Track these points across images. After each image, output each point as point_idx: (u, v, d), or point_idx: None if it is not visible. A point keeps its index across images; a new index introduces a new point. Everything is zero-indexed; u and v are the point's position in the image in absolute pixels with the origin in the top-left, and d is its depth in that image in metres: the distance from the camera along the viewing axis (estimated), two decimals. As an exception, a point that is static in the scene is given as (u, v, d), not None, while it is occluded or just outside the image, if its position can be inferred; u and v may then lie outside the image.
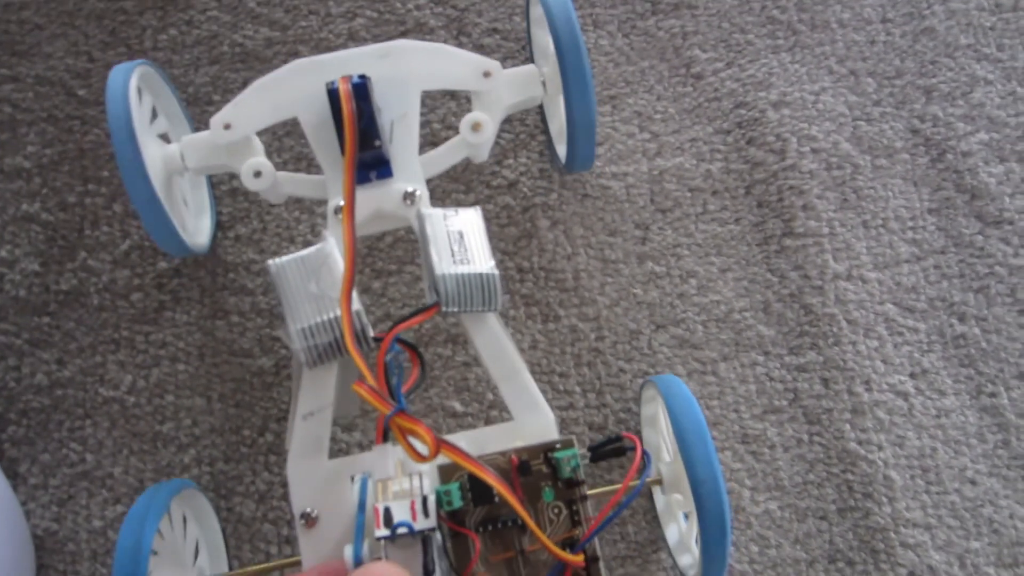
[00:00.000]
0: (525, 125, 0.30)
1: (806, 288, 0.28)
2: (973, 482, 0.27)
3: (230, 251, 0.29)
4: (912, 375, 0.28)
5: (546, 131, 0.29)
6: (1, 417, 0.27)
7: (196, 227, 0.28)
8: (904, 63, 0.31)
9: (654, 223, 0.29)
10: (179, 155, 0.25)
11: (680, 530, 0.25)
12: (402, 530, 0.18)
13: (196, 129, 0.28)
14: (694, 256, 0.29)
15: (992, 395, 0.28)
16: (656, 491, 0.26)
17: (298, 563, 0.20)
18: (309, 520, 0.20)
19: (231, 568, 0.25)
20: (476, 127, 0.24)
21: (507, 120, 0.29)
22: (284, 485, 0.27)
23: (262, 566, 0.23)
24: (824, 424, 0.27)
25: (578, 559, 0.19)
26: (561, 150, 0.27)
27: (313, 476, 0.21)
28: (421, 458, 0.18)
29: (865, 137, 0.30)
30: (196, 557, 0.24)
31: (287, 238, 0.28)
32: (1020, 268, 0.29)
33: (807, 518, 0.26)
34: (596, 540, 0.19)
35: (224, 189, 0.29)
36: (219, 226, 0.29)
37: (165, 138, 0.27)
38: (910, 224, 0.29)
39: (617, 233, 0.29)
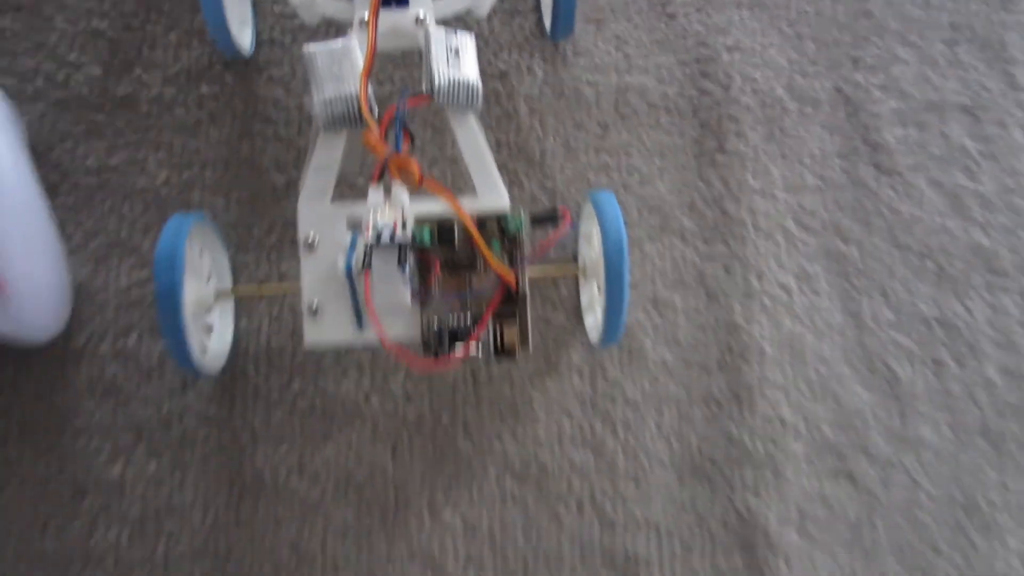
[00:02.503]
0: (522, 29, 0.39)
1: (726, 196, 0.37)
2: (828, 363, 0.36)
3: (262, 87, 0.37)
4: (797, 276, 0.37)
5: (537, 6, 0.37)
6: (56, 187, 0.36)
7: (240, 36, 0.35)
8: (841, 35, 0.40)
9: (613, 125, 0.38)
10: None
11: (595, 315, 0.33)
12: (385, 238, 0.25)
13: None
14: (641, 156, 0.38)
15: (857, 302, 0.37)
16: (581, 284, 0.33)
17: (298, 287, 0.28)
18: (310, 246, 0.28)
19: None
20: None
21: (509, 21, 0.37)
22: (282, 276, 0.35)
23: (266, 285, 0.31)
24: (720, 301, 0.36)
25: (510, 275, 0.26)
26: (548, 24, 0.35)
27: (317, 213, 0.28)
28: (413, 185, 0.26)
29: (797, 87, 0.39)
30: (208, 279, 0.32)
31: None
32: (899, 211, 0.38)
33: (692, 367, 0.35)
34: (527, 284, 0.27)
35: (263, 38, 0.37)
36: (256, 65, 0.37)
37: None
38: (820, 162, 0.38)
39: (582, 128, 0.38)
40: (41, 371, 0.33)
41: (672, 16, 0.39)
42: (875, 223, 0.37)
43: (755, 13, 0.39)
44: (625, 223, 0.35)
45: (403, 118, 0.27)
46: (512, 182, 0.36)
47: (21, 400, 0.33)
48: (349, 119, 0.28)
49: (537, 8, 0.37)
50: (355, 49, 0.28)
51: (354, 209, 0.27)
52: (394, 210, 0.26)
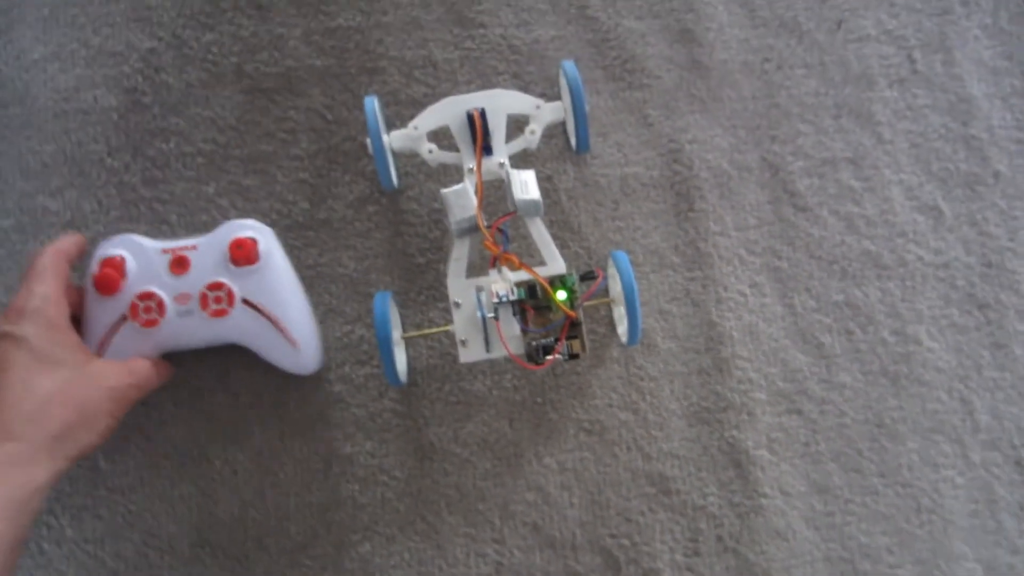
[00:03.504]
0: (557, 146, 0.36)
1: (697, 238, 0.35)
2: (775, 340, 0.34)
3: (405, 204, 0.35)
4: (749, 286, 0.35)
5: (565, 132, 0.34)
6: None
7: (393, 178, 0.34)
8: (761, 122, 0.36)
9: (621, 201, 0.35)
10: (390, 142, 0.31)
11: (623, 326, 0.33)
12: (504, 298, 0.27)
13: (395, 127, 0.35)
14: (641, 219, 0.35)
15: (791, 298, 0.34)
16: (613, 309, 0.32)
17: (450, 331, 0.28)
18: (457, 304, 0.28)
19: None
20: (532, 132, 0.31)
21: (548, 143, 0.36)
22: (430, 322, 0.34)
23: (427, 331, 0.31)
24: (701, 308, 0.34)
25: (572, 312, 0.27)
26: (572, 142, 0.33)
27: (458, 286, 0.28)
28: (514, 268, 0.27)
29: (736, 161, 0.36)
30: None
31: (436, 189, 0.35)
32: (812, 234, 0.35)
33: (688, 352, 0.33)
34: (582, 314, 0.27)
35: (403, 174, 0.36)
36: (401, 191, 0.35)
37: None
38: (756, 208, 0.36)
39: (602, 205, 0.35)
40: (307, 390, 0.33)
41: (650, 124, 0.36)
42: (797, 244, 0.35)
43: (704, 115, 0.36)
44: (634, 263, 0.34)
45: (504, 229, 0.29)
46: (562, 246, 0.34)
47: (293, 408, 0.33)
48: (472, 231, 0.28)
49: (564, 132, 0.35)
50: (469, 188, 0.29)
51: (480, 281, 0.28)
52: (506, 282, 0.28)
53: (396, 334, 0.31)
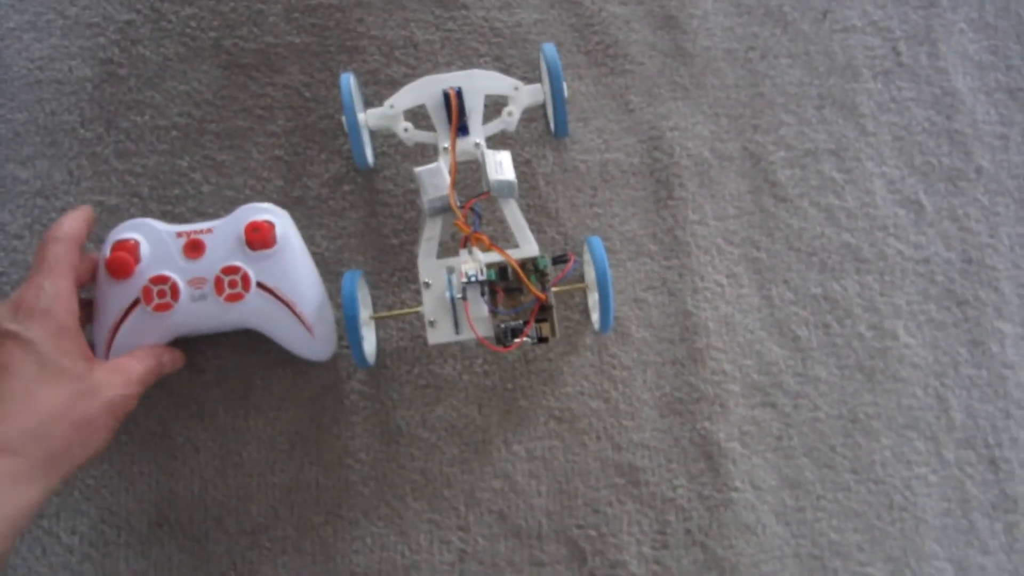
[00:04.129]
0: (536, 130, 0.36)
1: (676, 227, 0.34)
2: (751, 331, 0.33)
3: (381, 184, 0.34)
4: (727, 276, 0.34)
5: (545, 116, 0.34)
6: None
7: (369, 157, 0.34)
8: (744, 110, 0.36)
9: (600, 187, 0.35)
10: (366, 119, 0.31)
11: (595, 308, 0.32)
12: (473, 278, 0.27)
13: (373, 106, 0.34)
14: (619, 206, 0.34)
15: (768, 289, 0.34)
16: (588, 295, 0.32)
17: (421, 312, 0.28)
18: (427, 285, 0.28)
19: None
20: (510, 113, 0.31)
21: (528, 126, 0.35)
22: (402, 303, 0.34)
23: (395, 311, 0.30)
24: (677, 296, 0.34)
25: (542, 295, 0.27)
26: (551, 127, 0.33)
27: (429, 266, 0.28)
28: (484, 249, 0.27)
29: (717, 149, 0.35)
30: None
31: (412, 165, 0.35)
32: (792, 225, 0.35)
33: (663, 342, 0.33)
34: (552, 297, 0.27)
35: (379, 154, 0.36)
36: (377, 170, 0.35)
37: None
38: (736, 198, 0.35)
39: (580, 191, 0.34)
40: (273, 369, 0.32)
41: (632, 110, 0.36)
42: (776, 235, 0.34)
43: (686, 103, 0.36)
44: (611, 250, 0.33)
45: (477, 209, 0.28)
46: (538, 231, 0.34)
47: (259, 387, 0.32)
48: (444, 210, 0.28)
49: (544, 116, 0.35)
50: (443, 167, 0.28)
51: (451, 262, 0.28)
52: (476, 262, 0.27)
53: (365, 314, 0.31)
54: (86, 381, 0.23)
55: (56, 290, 0.23)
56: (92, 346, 0.26)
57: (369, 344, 0.31)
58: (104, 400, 0.23)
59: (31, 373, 0.21)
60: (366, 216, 0.34)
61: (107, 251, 0.28)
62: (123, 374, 0.24)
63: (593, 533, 0.31)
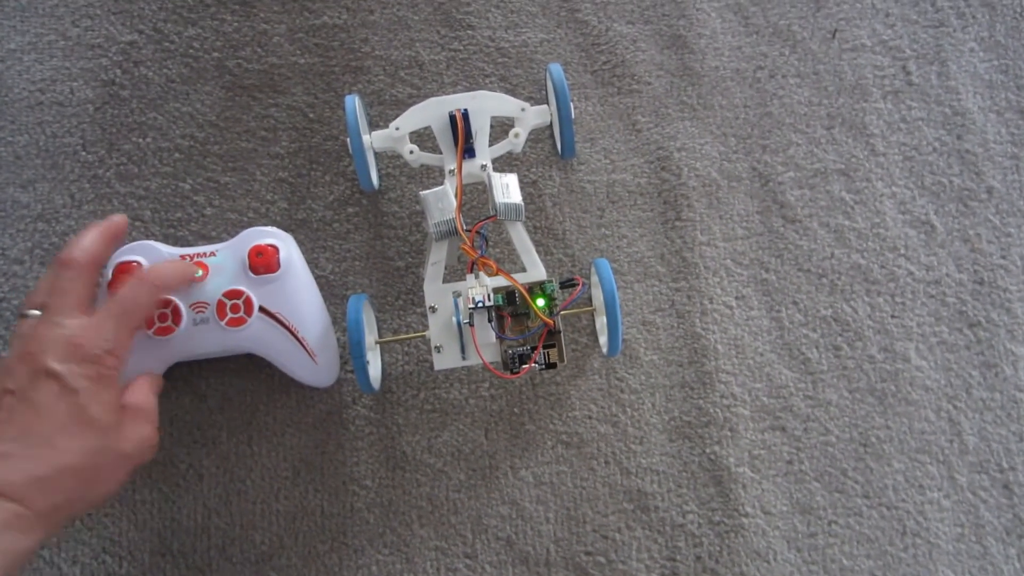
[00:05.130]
0: (543, 151, 0.36)
1: (684, 248, 0.34)
2: (761, 354, 0.33)
3: (385, 206, 0.35)
4: (736, 297, 0.34)
5: (552, 137, 0.34)
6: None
7: (374, 179, 0.34)
8: (752, 131, 0.36)
9: (607, 208, 0.35)
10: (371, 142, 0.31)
11: (602, 331, 0.32)
12: (480, 304, 0.26)
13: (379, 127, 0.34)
14: (627, 227, 0.34)
15: (778, 311, 0.34)
16: (595, 318, 0.32)
17: (427, 337, 0.28)
18: (433, 309, 0.28)
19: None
20: (516, 135, 0.30)
21: (535, 147, 0.35)
22: (408, 327, 0.33)
23: (403, 336, 0.30)
24: (685, 319, 0.34)
25: (550, 320, 0.27)
26: (558, 147, 0.33)
27: (435, 290, 0.28)
28: (491, 274, 0.27)
29: (725, 170, 0.36)
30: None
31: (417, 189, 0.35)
32: (801, 246, 0.35)
33: (671, 364, 0.33)
34: (560, 322, 0.27)
35: (384, 175, 0.36)
36: (382, 192, 0.35)
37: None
38: (745, 219, 0.35)
39: (587, 212, 0.35)
40: (278, 395, 0.32)
41: (639, 131, 0.36)
42: (785, 256, 0.34)
43: (694, 123, 0.36)
44: (618, 272, 0.33)
45: (484, 233, 0.28)
46: (545, 252, 0.34)
47: (262, 413, 0.32)
48: (450, 234, 0.28)
49: (551, 137, 0.35)
50: (450, 191, 0.28)
51: (457, 287, 0.28)
52: (483, 287, 0.27)
53: (371, 338, 0.31)
54: (111, 435, 0.21)
55: (116, 338, 0.21)
56: None
57: (374, 369, 0.31)
58: (124, 453, 0.22)
59: (60, 421, 0.20)
60: (371, 239, 0.34)
61: (109, 273, 0.28)
62: (146, 419, 0.23)
63: (602, 560, 0.30)
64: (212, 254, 0.29)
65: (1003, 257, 0.34)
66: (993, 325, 0.33)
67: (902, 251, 0.34)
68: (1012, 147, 0.35)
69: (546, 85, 0.34)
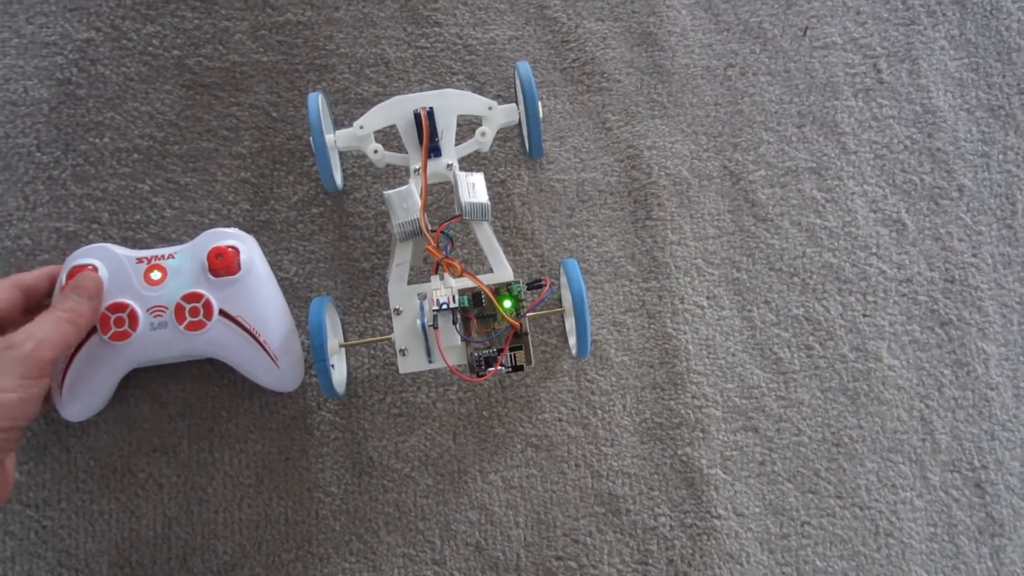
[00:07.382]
0: (512, 150, 0.36)
1: (654, 248, 0.34)
2: (732, 354, 0.33)
3: (350, 206, 0.34)
4: (707, 297, 0.34)
5: (520, 135, 0.34)
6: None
7: (336, 177, 0.34)
8: (723, 129, 0.36)
9: (577, 207, 0.35)
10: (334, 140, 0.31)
11: (572, 333, 0.32)
12: (444, 306, 0.26)
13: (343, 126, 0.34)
14: (597, 226, 0.34)
15: (749, 311, 0.34)
16: (565, 320, 0.32)
17: (390, 339, 0.27)
18: (398, 311, 0.27)
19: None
20: (483, 134, 0.30)
21: (503, 146, 0.35)
22: (373, 330, 0.33)
23: (366, 338, 0.30)
24: (656, 320, 0.34)
25: (516, 323, 0.26)
26: (526, 147, 0.33)
27: (399, 292, 0.27)
28: (456, 275, 0.26)
29: (696, 168, 0.35)
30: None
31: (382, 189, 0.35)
32: (772, 245, 0.35)
33: (642, 365, 0.33)
34: (528, 324, 0.27)
35: (348, 175, 0.35)
36: (346, 193, 0.34)
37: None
38: (716, 218, 0.35)
39: (557, 211, 0.34)
40: (240, 401, 0.32)
41: (609, 129, 0.35)
42: (757, 255, 0.34)
43: (664, 121, 0.36)
44: (588, 272, 0.33)
45: (449, 233, 0.28)
46: (514, 252, 0.34)
47: (224, 420, 0.32)
48: (415, 234, 0.28)
49: (520, 135, 0.35)
50: (414, 190, 0.28)
51: (422, 289, 0.27)
52: (447, 289, 0.26)
53: (335, 342, 0.30)
54: None
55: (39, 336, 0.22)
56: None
57: (339, 373, 0.31)
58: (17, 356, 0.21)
59: None
60: (336, 240, 0.33)
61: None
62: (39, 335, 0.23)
63: (573, 564, 0.30)
64: (170, 256, 0.28)
65: (974, 255, 0.34)
66: (964, 323, 0.33)
67: (873, 250, 0.34)
68: (982, 145, 0.35)
69: (514, 83, 0.33)
